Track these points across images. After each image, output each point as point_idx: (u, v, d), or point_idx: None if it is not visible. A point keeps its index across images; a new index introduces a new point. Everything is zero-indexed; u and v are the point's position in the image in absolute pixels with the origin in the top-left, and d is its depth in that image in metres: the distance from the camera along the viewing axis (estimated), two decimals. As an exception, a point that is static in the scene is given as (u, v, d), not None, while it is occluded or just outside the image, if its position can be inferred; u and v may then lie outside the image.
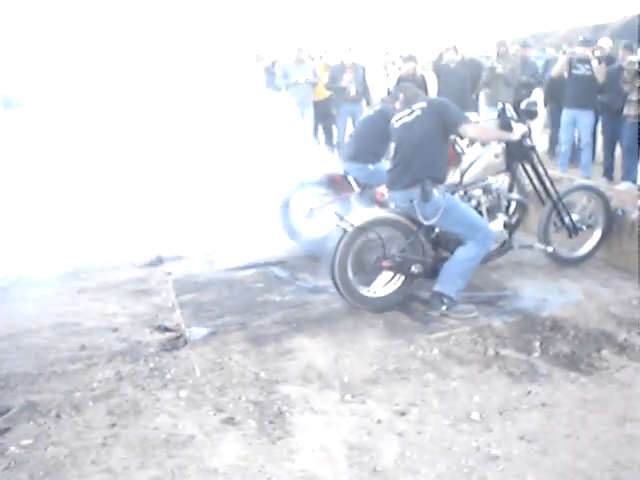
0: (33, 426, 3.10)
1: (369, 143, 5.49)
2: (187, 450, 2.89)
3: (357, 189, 5.58)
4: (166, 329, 4.18)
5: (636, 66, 7.35)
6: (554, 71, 8.60)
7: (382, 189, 4.88)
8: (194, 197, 6.47)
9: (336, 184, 5.65)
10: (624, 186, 7.33)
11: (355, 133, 5.96)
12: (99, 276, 5.13)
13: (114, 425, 3.09)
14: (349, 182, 5.59)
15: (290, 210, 5.64)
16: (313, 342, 3.93)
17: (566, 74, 8.26)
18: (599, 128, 8.48)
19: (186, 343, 3.96)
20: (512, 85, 8.83)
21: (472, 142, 4.98)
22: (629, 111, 7.46)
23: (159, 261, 5.49)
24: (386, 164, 5.05)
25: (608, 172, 8.30)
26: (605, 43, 9.24)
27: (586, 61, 8.02)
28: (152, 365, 3.68)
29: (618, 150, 8.21)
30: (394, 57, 11.79)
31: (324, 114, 10.08)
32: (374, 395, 3.32)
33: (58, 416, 3.18)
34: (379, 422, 3.08)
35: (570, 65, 8.17)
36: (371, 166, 5.50)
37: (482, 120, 5.48)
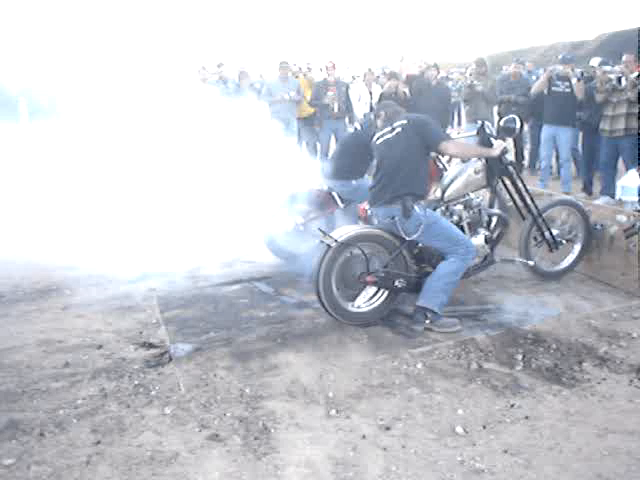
0: (16, 445, 3.07)
1: (351, 160, 5.55)
2: (172, 467, 2.89)
3: (341, 205, 5.64)
4: (151, 345, 4.17)
5: (612, 76, 7.50)
6: (534, 89, 8.76)
7: (364, 205, 4.93)
8: (178, 213, 6.46)
9: (320, 200, 5.69)
10: (602, 201, 7.46)
11: (338, 150, 6.02)
12: (83, 293, 5.11)
13: (98, 443, 3.08)
14: (333, 198, 5.64)
15: (274, 226, 5.67)
16: (298, 357, 3.95)
17: (546, 91, 8.41)
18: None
19: (171, 359, 3.95)
20: (492, 102, 8.97)
21: (452, 159, 5.06)
22: (604, 126, 7.61)
23: (143, 277, 5.47)
24: (369, 180, 5.11)
25: (587, 187, 8.43)
26: (595, 62, 9.32)
27: (565, 79, 8.18)
28: (137, 382, 3.67)
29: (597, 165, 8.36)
30: (377, 74, 11.91)
31: (308, 131, 10.16)
32: (359, 410, 3.33)
33: (41, 434, 3.15)
34: (364, 437, 3.09)
35: (550, 82, 8.33)
36: (354, 182, 5.56)
37: (462, 137, 5.56)
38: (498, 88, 9.28)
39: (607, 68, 7.59)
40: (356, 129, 5.88)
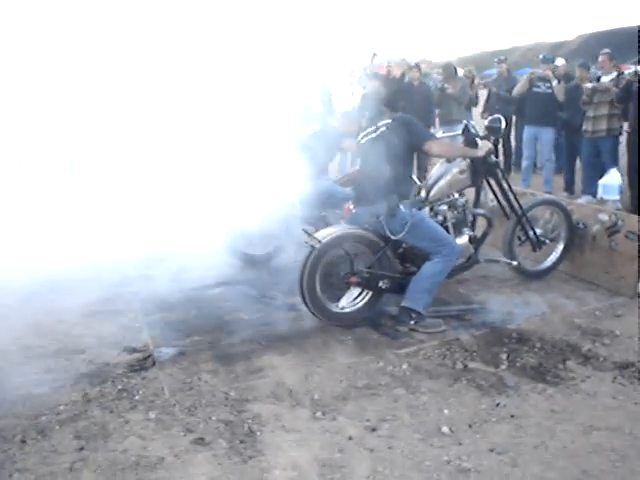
0: (-3, 452, 3.03)
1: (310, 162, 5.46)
2: (157, 472, 2.85)
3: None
4: (134, 350, 4.13)
5: (594, 83, 7.59)
6: (516, 91, 8.84)
7: (349, 205, 4.91)
8: (160, 216, 6.40)
9: None
10: (584, 200, 7.53)
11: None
12: (65, 297, 5.04)
13: (82, 449, 3.04)
14: None
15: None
16: (283, 360, 3.93)
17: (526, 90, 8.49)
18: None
19: (154, 363, 3.92)
20: (464, 103, 9.06)
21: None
22: (587, 127, 7.69)
23: (126, 281, 5.42)
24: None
25: (569, 186, 8.50)
26: (559, 62, 9.57)
27: (546, 80, 8.25)
28: (120, 387, 3.63)
29: (578, 164, 8.44)
30: (359, 75, 11.90)
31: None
32: (345, 411, 3.32)
33: (23, 441, 3.11)
34: (350, 438, 3.08)
35: (531, 83, 8.40)
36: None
37: (446, 136, 5.57)
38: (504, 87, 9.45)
39: (589, 85, 7.65)
40: (314, 130, 5.78)
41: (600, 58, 7.86)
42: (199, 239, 5.91)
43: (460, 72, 10.30)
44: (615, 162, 7.76)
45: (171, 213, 6.19)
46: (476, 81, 9.99)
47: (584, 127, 7.74)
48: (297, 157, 5.59)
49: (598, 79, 7.75)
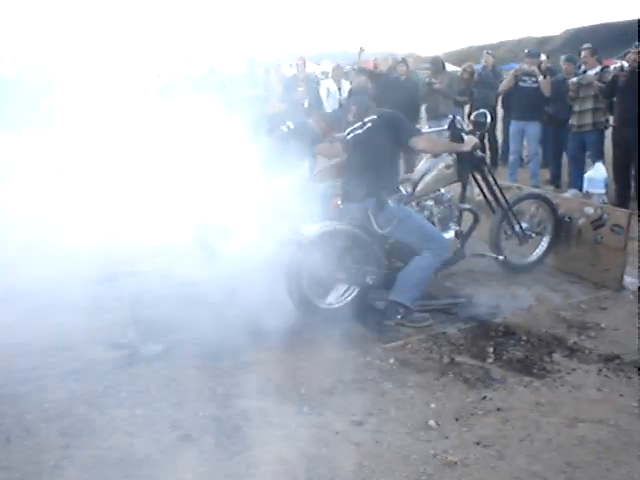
0: (-18, 451, 3.00)
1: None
2: (144, 469, 2.85)
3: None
4: (120, 346, 4.11)
5: (580, 78, 7.62)
6: (502, 87, 8.87)
7: (336, 200, 4.89)
8: (148, 212, 6.37)
9: None
10: (570, 193, 7.57)
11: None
12: (51, 293, 5.00)
13: (67, 446, 3.02)
14: None
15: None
16: (270, 355, 3.92)
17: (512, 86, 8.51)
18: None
19: (141, 360, 3.90)
20: (451, 98, 9.08)
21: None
22: (573, 121, 7.72)
23: (113, 277, 5.39)
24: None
25: (555, 180, 8.54)
26: (542, 58, 9.62)
27: (532, 74, 8.27)
28: (106, 383, 3.61)
29: (564, 158, 8.47)
30: (345, 70, 11.89)
31: (277, 128, 10.08)
32: (332, 406, 3.32)
33: (8, 439, 3.08)
34: (337, 433, 3.08)
35: (517, 78, 8.41)
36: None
37: (432, 131, 5.56)
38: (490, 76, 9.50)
39: (574, 80, 7.68)
40: (289, 128, 5.75)
41: (582, 54, 7.90)
42: (176, 236, 5.89)
43: (449, 67, 10.33)
44: (601, 156, 7.81)
45: (149, 210, 6.17)
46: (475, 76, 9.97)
47: (570, 121, 7.77)
48: (270, 154, 5.56)
49: (584, 72, 7.77)
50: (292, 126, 5.65)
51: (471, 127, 5.04)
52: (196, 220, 5.54)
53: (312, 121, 5.66)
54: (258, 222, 4.96)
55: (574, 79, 7.66)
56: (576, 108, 7.65)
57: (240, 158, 4.97)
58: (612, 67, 8.01)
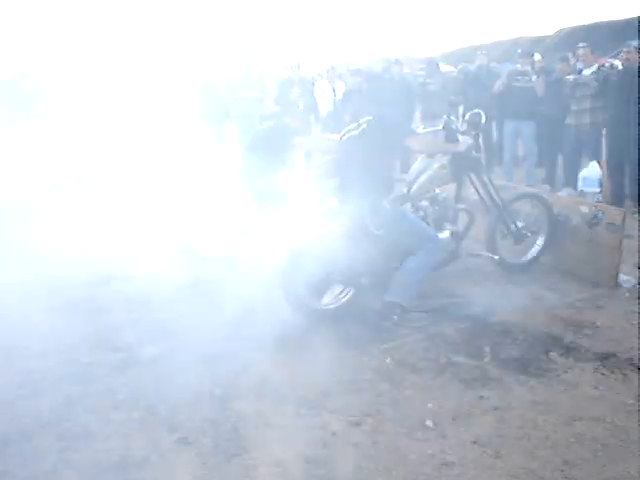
0: (-22, 456, 2.99)
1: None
2: (141, 472, 2.84)
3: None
4: (117, 349, 4.10)
5: (576, 75, 7.63)
6: (495, 88, 8.87)
7: (332, 201, 4.90)
8: (144, 215, 6.37)
9: None
10: (565, 192, 7.58)
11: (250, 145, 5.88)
12: (48, 296, 4.99)
13: (64, 450, 3.01)
14: None
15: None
16: (266, 357, 3.91)
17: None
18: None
19: (138, 363, 3.89)
20: (445, 99, 9.09)
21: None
22: (570, 120, 7.73)
23: (109, 280, 5.38)
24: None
25: (550, 179, 8.56)
26: (536, 57, 9.63)
27: (525, 74, 8.29)
28: (103, 387, 3.60)
29: (560, 158, 8.48)
30: (340, 71, 11.90)
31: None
32: (329, 407, 3.32)
33: (5, 444, 3.07)
34: (334, 434, 3.08)
35: (510, 79, 8.43)
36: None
37: (427, 132, 5.58)
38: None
39: (570, 78, 7.69)
40: (269, 126, 5.74)
41: (581, 52, 7.89)
42: (165, 240, 5.89)
43: (445, 68, 10.36)
44: (598, 155, 7.82)
45: (159, 210, 6.17)
46: None
47: (567, 120, 7.77)
48: (249, 154, 5.56)
49: (580, 72, 7.79)
50: (271, 124, 5.66)
51: (466, 127, 5.04)
52: (182, 224, 5.54)
53: (287, 117, 5.69)
54: (248, 224, 4.96)
55: (570, 77, 7.66)
56: (574, 107, 7.65)
57: (226, 160, 4.98)
58: (606, 65, 8.04)
